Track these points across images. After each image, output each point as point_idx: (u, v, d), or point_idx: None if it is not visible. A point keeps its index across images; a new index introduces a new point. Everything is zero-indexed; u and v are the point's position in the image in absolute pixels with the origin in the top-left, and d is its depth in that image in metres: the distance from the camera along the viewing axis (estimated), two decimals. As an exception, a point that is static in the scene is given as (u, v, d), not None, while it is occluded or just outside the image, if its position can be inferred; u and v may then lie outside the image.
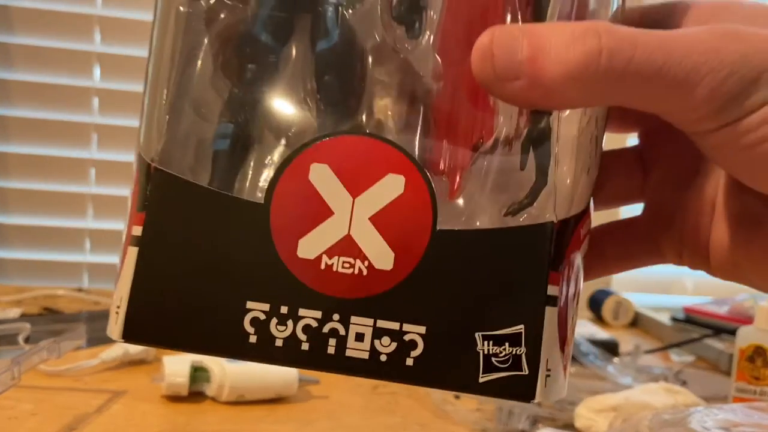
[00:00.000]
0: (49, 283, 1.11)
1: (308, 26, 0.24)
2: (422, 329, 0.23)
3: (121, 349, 0.67)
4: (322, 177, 0.23)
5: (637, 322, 1.10)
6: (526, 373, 0.24)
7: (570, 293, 0.25)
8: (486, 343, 0.23)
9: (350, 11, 0.24)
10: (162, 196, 0.24)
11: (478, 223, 0.24)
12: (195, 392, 0.61)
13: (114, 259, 1.37)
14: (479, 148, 0.24)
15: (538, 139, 0.24)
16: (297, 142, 0.24)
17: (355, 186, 0.23)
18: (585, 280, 0.27)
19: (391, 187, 0.23)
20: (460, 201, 0.24)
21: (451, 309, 0.24)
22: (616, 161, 0.30)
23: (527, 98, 0.22)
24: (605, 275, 0.30)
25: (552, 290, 0.24)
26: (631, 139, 0.30)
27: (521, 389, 0.24)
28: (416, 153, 0.24)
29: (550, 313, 0.24)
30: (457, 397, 0.66)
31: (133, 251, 0.24)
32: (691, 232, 0.27)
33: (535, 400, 0.24)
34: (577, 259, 0.25)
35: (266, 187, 0.24)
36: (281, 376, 0.63)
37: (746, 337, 0.68)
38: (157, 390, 0.60)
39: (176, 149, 0.24)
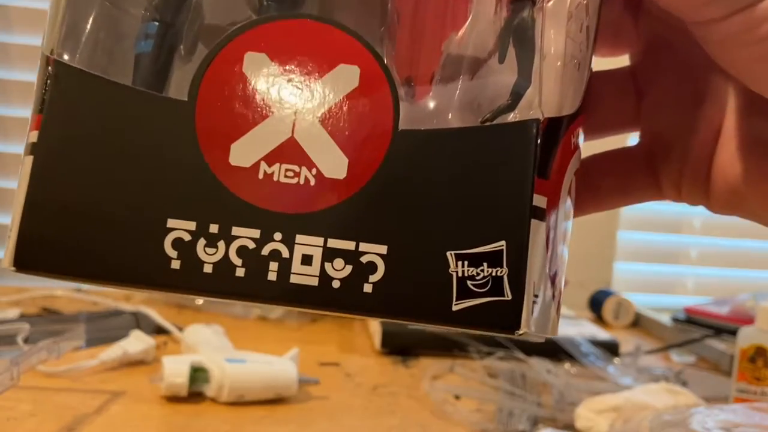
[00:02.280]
0: (47, 283, 1.11)
1: None
2: (382, 249, 0.19)
3: (121, 349, 0.66)
4: (258, 68, 0.19)
5: (637, 322, 1.10)
6: (509, 298, 0.19)
7: (560, 213, 0.21)
8: (460, 263, 0.19)
9: None
10: (62, 93, 0.20)
11: (448, 124, 0.20)
12: (194, 393, 0.59)
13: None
14: (450, 42, 0.20)
15: (519, 29, 0.20)
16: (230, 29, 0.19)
17: (300, 78, 0.19)
18: (575, 215, 0.23)
19: (343, 79, 0.19)
20: (428, 102, 0.20)
21: (416, 224, 0.19)
22: (606, 84, 0.26)
23: None
24: (598, 211, 0.26)
25: (538, 201, 0.20)
26: (632, 139, 0.27)
27: (503, 318, 0.19)
28: (376, 43, 0.20)
29: (536, 227, 0.20)
30: (457, 397, 0.66)
31: (27, 161, 0.20)
32: (692, 162, 0.24)
33: (520, 331, 0.19)
34: (569, 172, 0.21)
35: (190, 80, 0.19)
36: (281, 376, 0.62)
37: (747, 337, 0.67)
38: (157, 390, 0.59)
39: (84, 44, 0.20)
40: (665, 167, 0.25)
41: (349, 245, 0.19)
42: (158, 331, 0.77)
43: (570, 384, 0.68)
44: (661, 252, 1.26)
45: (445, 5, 0.20)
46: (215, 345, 0.67)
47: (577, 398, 0.64)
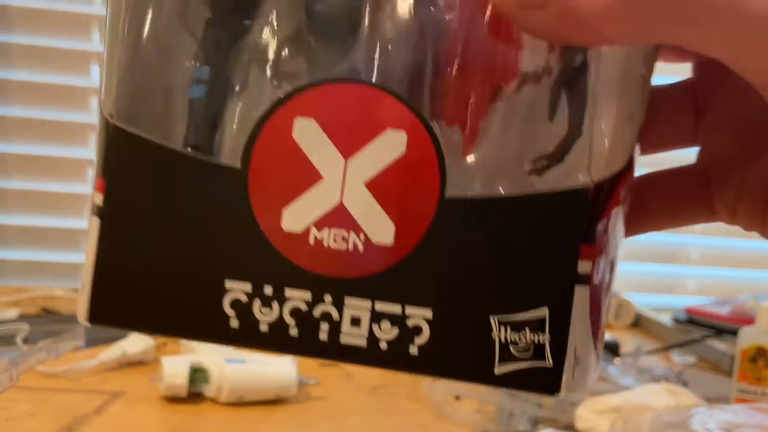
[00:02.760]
0: (47, 283, 1.11)
1: None
2: (428, 313, 0.20)
3: (120, 350, 0.66)
4: (308, 134, 0.19)
5: (638, 322, 1.10)
6: (550, 365, 0.20)
7: (604, 266, 0.21)
8: (502, 328, 0.20)
9: None
10: (123, 160, 0.20)
11: (495, 187, 0.20)
12: (194, 393, 0.59)
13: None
14: (499, 91, 0.20)
15: (571, 80, 0.20)
16: (280, 89, 0.20)
17: (348, 145, 0.19)
18: (623, 238, 0.23)
19: (390, 145, 0.19)
20: (474, 157, 0.20)
21: (461, 289, 0.20)
22: (665, 97, 0.25)
23: (556, 32, 0.18)
24: (646, 232, 0.25)
25: (583, 266, 0.20)
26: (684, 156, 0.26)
27: (544, 382, 0.20)
28: (422, 101, 0.20)
29: (581, 293, 0.20)
30: (457, 398, 0.66)
31: (95, 222, 0.21)
32: (751, 187, 0.23)
33: (561, 394, 0.20)
34: (615, 225, 0.21)
35: (242, 147, 0.20)
36: (281, 377, 0.62)
37: (748, 337, 0.67)
38: (156, 391, 0.59)
39: (140, 100, 0.20)
40: (722, 191, 0.24)
41: (396, 309, 0.20)
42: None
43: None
44: (661, 252, 1.26)
45: (494, 54, 0.20)
46: (215, 345, 0.66)
47: (577, 399, 0.64)
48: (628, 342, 0.92)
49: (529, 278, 0.20)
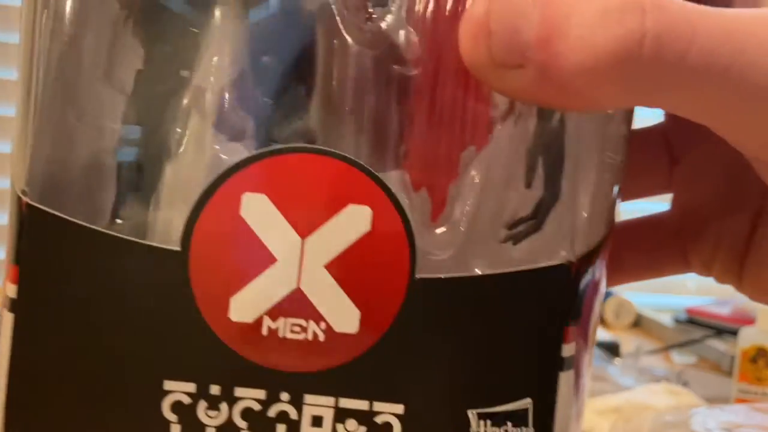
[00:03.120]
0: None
1: None
2: (399, 408, 0.17)
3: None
4: (258, 211, 0.17)
5: (638, 322, 1.10)
6: None
7: (586, 341, 0.19)
8: (482, 422, 0.18)
9: None
10: (39, 244, 0.17)
11: (470, 262, 0.18)
12: None
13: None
14: (470, 153, 0.18)
15: (547, 141, 0.18)
16: (224, 152, 0.17)
17: (305, 223, 0.17)
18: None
19: (353, 222, 0.17)
20: (445, 228, 0.18)
21: (435, 380, 0.18)
22: (637, 143, 0.23)
23: (534, 95, 0.16)
24: (619, 284, 0.25)
25: (568, 350, 0.18)
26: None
27: None
28: (387, 167, 0.17)
29: (565, 380, 0.18)
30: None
31: (8, 318, 0.18)
32: (726, 244, 0.22)
33: None
34: (598, 295, 0.20)
35: (182, 227, 0.17)
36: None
37: (748, 338, 0.67)
38: None
39: (59, 172, 0.17)
40: (696, 245, 0.23)
41: (363, 405, 0.18)
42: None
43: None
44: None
45: (464, 112, 0.18)
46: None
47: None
48: (628, 342, 0.92)
49: (510, 367, 0.18)
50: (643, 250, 0.24)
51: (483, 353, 0.18)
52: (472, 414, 0.18)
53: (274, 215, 0.17)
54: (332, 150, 0.17)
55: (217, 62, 0.17)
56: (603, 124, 0.19)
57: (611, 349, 0.83)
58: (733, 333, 0.82)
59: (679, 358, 0.90)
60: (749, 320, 0.79)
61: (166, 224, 0.17)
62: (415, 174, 0.18)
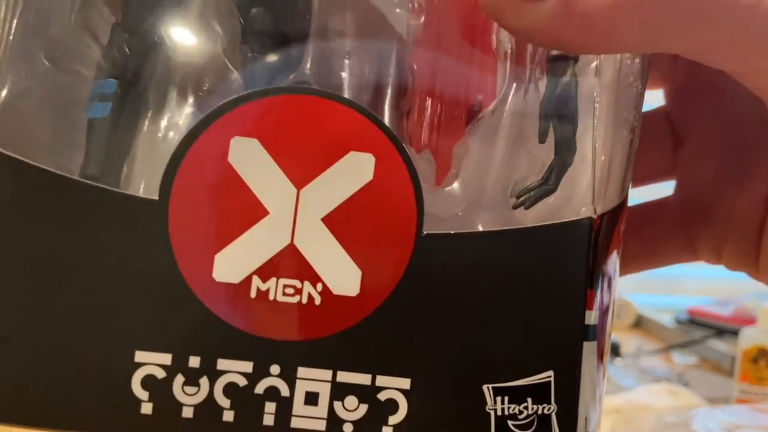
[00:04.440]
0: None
1: None
2: (405, 383, 0.15)
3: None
4: (249, 158, 0.15)
5: (639, 322, 1.09)
6: None
7: (605, 311, 0.17)
8: (498, 399, 0.16)
9: None
10: (2, 191, 0.15)
11: (479, 224, 0.16)
12: None
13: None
14: (475, 112, 0.16)
15: (557, 99, 0.16)
16: (211, 104, 0.15)
17: (301, 171, 0.15)
18: None
19: (354, 171, 0.15)
20: (453, 187, 0.16)
21: (446, 351, 0.16)
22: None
23: (554, 33, 0.15)
24: (624, 275, 0.22)
25: (590, 317, 0.16)
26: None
27: None
28: (388, 119, 0.16)
29: (589, 351, 0.16)
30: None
31: None
32: (737, 225, 0.21)
33: None
34: (614, 265, 0.18)
35: (162, 175, 0.15)
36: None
37: (749, 338, 0.67)
38: None
39: (26, 117, 0.16)
40: (704, 229, 0.22)
41: (364, 379, 0.15)
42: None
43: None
44: (662, 252, 1.26)
45: (470, 68, 0.16)
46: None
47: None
48: (629, 342, 0.91)
49: (529, 336, 0.16)
50: (647, 238, 0.23)
51: (498, 319, 0.16)
52: (487, 389, 0.16)
53: (266, 162, 0.15)
54: (334, 93, 0.15)
55: (201, 17, 0.16)
56: (619, 79, 0.17)
57: (612, 350, 0.83)
58: (734, 333, 0.82)
59: (680, 358, 0.90)
60: (750, 320, 0.79)
61: (143, 175, 0.15)
62: (418, 133, 0.16)
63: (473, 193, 0.16)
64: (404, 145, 0.16)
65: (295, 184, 0.15)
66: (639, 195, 0.22)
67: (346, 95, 0.16)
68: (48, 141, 0.16)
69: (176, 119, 0.16)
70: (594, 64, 0.17)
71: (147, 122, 0.16)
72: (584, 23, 0.14)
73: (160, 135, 0.16)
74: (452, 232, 0.16)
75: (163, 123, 0.16)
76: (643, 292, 1.06)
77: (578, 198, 0.16)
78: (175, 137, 0.15)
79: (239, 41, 0.16)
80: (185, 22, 0.16)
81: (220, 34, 0.16)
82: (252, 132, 0.15)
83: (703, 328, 0.95)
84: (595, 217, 0.16)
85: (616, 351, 0.84)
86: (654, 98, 0.22)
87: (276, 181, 0.15)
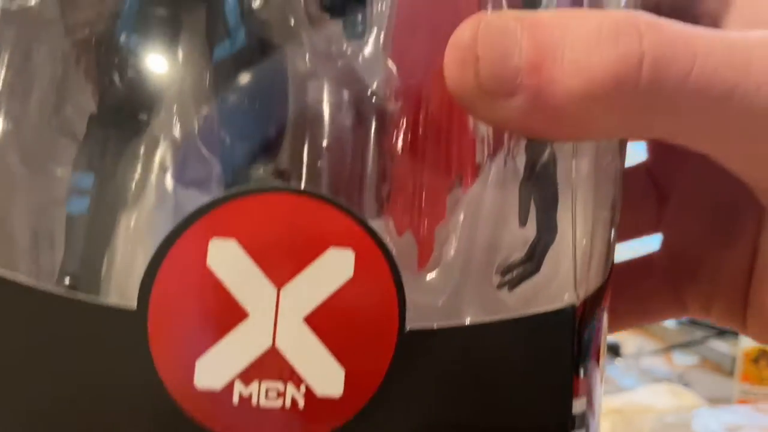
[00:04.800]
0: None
1: (201, 24, 0.15)
2: None
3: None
4: (228, 260, 0.15)
5: (639, 323, 1.10)
6: None
7: (597, 398, 0.18)
8: None
9: (259, 1, 0.16)
10: None
11: (463, 311, 0.16)
12: None
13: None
14: (456, 191, 0.16)
15: (538, 176, 0.16)
16: (188, 200, 0.15)
17: (281, 271, 0.15)
18: None
19: (334, 268, 0.15)
20: (434, 274, 0.16)
21: None
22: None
23: (525, 124, 0.15)
24: (614, 332, 0.23)
25: (578, 406, 0.16)
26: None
27: None
28: (367, 209, 0.16)
29: None
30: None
31: None
32: (724, 284, 0.21)
33: None
34: (603, 346, 0.18)
35: (139, 281, 0.15)
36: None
37: (750, 339, 0.67)
38: None
39: (2, 223, 0.15)
40: (691, 286, 0.22)
41: None
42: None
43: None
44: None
45: (448, 148, 0.16)
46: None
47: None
48: (629, 342, 0.91)
49: (515, 429, 0.16)
50: (635, 296, 0.23)
51: (485, 413, 0.16)
52: None
53: (245, 263, 0.15)
54: (309, 190, 0.15)
55: (179, 104, 0.16)
56: (597, 157, 0.17)
57: (612, 350, 0.83)
58: (735, 333, 0.82)
59: (681, 358, 0.90)
60: (751, 321, 0.79)
61: (120, 280, 0.15)
62: (399, 216, 0.16)
63: (457, 277, 0.16)
64: (385, 233, 0.15)
65: (274, 284, 0.15)
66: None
67: (324, 184, 0.16)
68: (24, 246, 0.15)
69: (154, 214, 0.15)
70: (572, 144, 0.16)
71: (125, 218, 0.15)
72: (556, 115, 0.14)
73: (138, 232, 0.15)
74: (435, 326, 0.15)
75: (142, 217, 0.15)
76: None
77: (560, 279, 0.16)
78: (152, 237, 0.15)
79: (217, 127, 0.16)
80: (162, 108, 0.16)
81: (198, 120, 0.16)
82: (230, 233, 0.15)
83: (704, 329, 0.95)
84: (578, 303, 0.16)
85: (616, 351, 0.84)
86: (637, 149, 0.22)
87: (255, 282, 0.15)
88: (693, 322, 0.98)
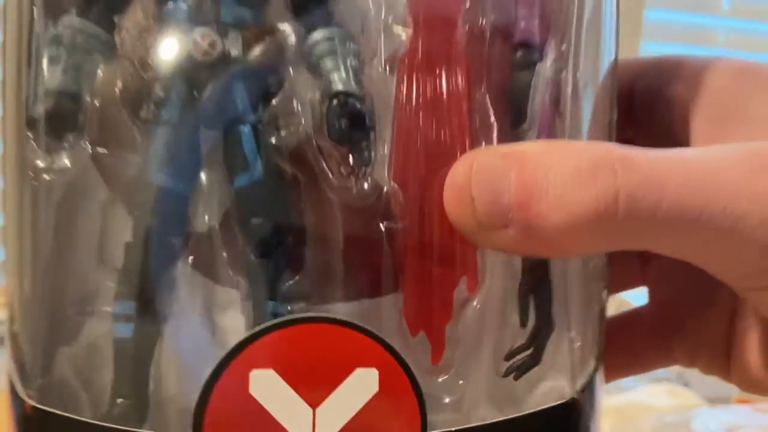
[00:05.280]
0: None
1: (219, 154, 0.18)
2: None
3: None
4: (268, 387, 0.17)
5: (639, 322, 1.10)
6: None
7: None
8: None
9: (275, 137, 0.18)
10: None
11: (476, 409, 0.18)
12: None
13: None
14: (462, 294, 0.19)
15: (535, 280, 0.19)
16: (227, 338, 0.18)
17: (314, 392, 0.17)
18: None
19: (361, 386, 0.17)
20: (447, 376, 0.19)
21: None
22: None
23: (521, 249, 0.17)
24: (606, 383, 0.24)
25: None
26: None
27: None
28: (384, 327, 0.18)
29: None
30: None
31: None
32: (706, 338, 0.22)
33: None
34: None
35: (193, 414, 0.17)
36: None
37: (749, 338, 0.67)
38: None
39: (59, 367, 0.18)
40: (678, 340, 0.23)
41: None
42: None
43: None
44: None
45: (452, 257, 0.18)
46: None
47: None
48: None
49: None
50: (626, 348, 0.24)
51: None
52: None
53: (283, 389, 0.17)
54: (334, 317, 0.17)
55: (206, 227, 0.18)
56: (585, 260, 0.19)
57: (611, 349, 0.83)
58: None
59: (680, 358, 0.89)
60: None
61: (171, 409, 0.17)
62: (412, 320, 0.18)
63: (468, 373, 0.18)
64: (402, 353, 0.17)
65: (310, 405, 0.17)
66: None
67: (348, 313, 0.18)
68: (79, 378, 0.18)
69: (194, 339, 0.18)
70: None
71: (166, 343, 0.18)
72: (546, 243, 0.16)
73: (181, 361, 0.18)
74: (454, 429, 0.17)
75: (184, 345, 0.18)
76: (642, 293, 1.05)
77: (559, 370, 0.19)
78: (196, 367, 0.17)
79: (242, 250, 0.18)
80: (195, 238, 0.18)
81: (227, 247, 0.18)
82: (268, 363, 0.17)
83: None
84: (576, 396, 0.19)
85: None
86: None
87: (294, 405, 0.17)
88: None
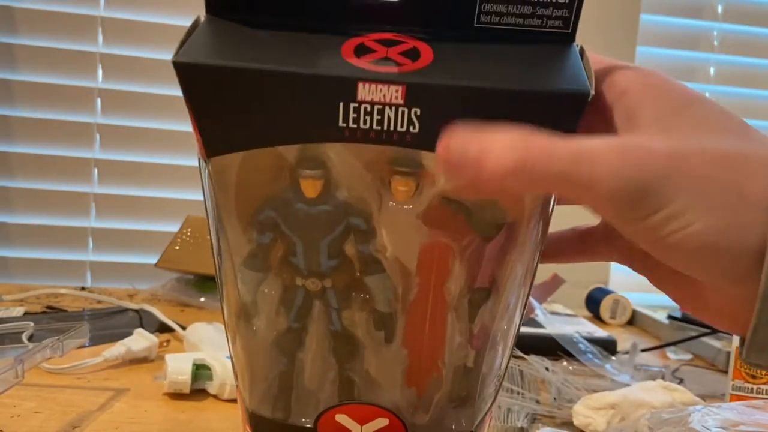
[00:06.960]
0: (52, 281, 1.11)
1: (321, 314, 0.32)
2: None
3: (124, 347, 0.66)
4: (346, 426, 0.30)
5: (634, 320, 1.10)
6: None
7: None
8: None
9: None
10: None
11: None
12: (197, 390, 0.60)
13: (116, 257, 1.34)
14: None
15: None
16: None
17: None
18: (541, 262, 0.33)
19: None
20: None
21: None
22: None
23: (475, 182, 0.27)
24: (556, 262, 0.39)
25: None
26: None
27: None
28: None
29: None
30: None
31: None
32: (627, 247, 0.36)
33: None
34: None
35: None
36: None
37: (743, 335, 0.67)
38: (160, 388, 0.60)
39: (267, 391, 0.34)
40: (619, 241, 0.36)
41: None
42: (161, 329, 0.78)
43: (568, 381, 0.68)
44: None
45: (436, 340, 0.34)
46: (218, 343, 0.67)
47: (575, 395, 0.64)
48: (624, 340, 0.92)
49: None
50: (583, 244, 0.38)
51: None
52: None
53: (351, 426, 0.30)
54: (372, 401, 0.31)
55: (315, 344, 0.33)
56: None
57: (608, 347, 0.83)
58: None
59: (675, 355, 0.90)
60: (744, 318, 0.79)
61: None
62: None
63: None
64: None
65: None
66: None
67: (379, 399, 0.31)
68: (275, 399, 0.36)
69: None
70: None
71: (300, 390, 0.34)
72: (487, 180, 0.26)
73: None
74: None
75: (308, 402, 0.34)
76: (639, 291, 1.06)
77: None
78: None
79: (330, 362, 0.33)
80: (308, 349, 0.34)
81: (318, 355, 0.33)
82: (344, 412, 0.31)
83: (698, 326, 0.94)
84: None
85: (611, 348, 0.84)
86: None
87: None
88: (687, 320, 0.98)
